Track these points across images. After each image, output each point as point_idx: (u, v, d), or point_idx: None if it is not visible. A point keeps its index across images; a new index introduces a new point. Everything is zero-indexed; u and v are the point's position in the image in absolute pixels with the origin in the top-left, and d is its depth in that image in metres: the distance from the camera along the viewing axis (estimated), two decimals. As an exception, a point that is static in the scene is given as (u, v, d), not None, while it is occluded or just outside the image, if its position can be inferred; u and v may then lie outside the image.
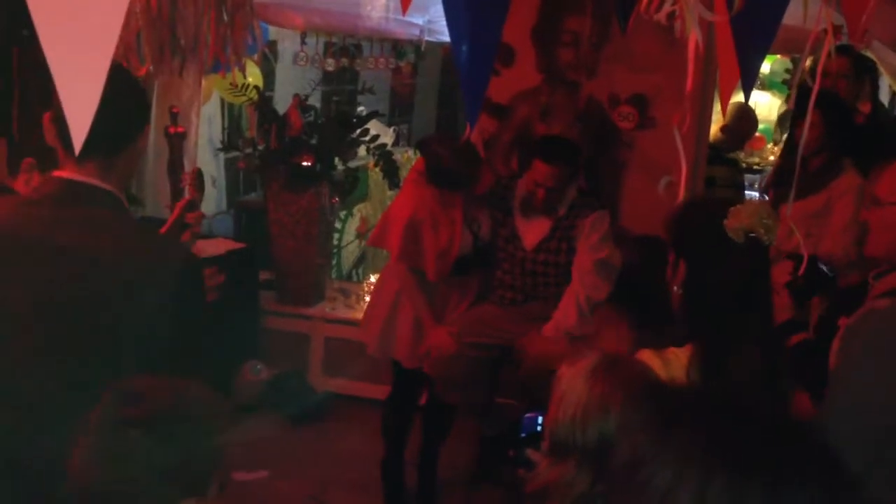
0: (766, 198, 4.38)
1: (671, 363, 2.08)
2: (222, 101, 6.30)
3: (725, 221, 2.05)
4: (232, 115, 6.70)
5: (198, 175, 2.53)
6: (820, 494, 1.01)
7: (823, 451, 1.07)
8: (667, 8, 1.18)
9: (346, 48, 6.39)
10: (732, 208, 2.07)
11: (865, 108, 4.76)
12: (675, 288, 2.17)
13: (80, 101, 0.99)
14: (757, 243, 2.05)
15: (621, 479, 1.13)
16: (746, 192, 6.72)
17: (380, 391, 4.41)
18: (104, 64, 1.01)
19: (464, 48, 1.35)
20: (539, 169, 3.64)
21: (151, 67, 2.58)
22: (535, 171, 3.65)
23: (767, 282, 2.15)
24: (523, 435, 2.14)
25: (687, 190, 2.71)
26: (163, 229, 2.21)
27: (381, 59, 6.55)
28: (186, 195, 2.37)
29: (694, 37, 1.19)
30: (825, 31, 5.17)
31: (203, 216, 2.30)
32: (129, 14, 2.34)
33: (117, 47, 1.09)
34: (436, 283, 3.84)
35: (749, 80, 1.35)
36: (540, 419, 2.08)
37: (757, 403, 1.15)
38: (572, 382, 1.78)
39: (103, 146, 1.77)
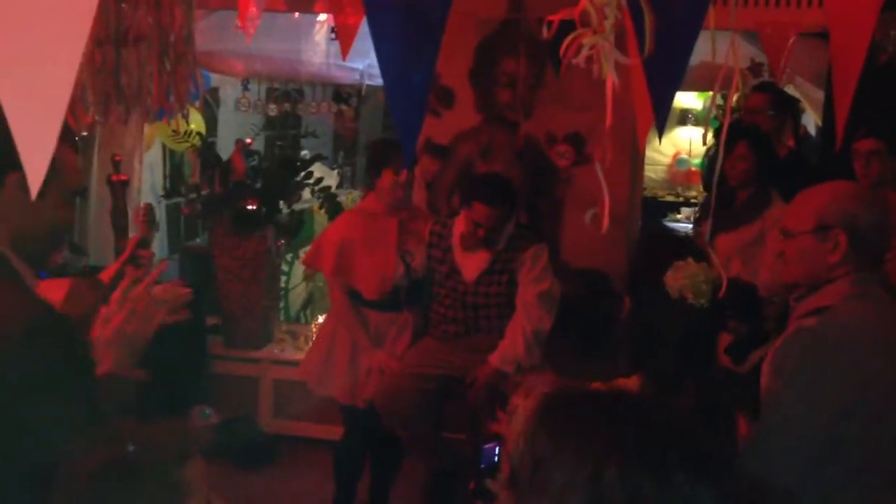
0: (700, 230, 4.52)
1: None
2: (164, 148, 6.32)
3: (665, 275, 2.13)
4: (174, 163, 6.71)
5: (149, 211, 2.51)
6: (704, 477, 1.13)
7: (707, 442, 1.21)
8: (584, 53, 1.29)
9: (288, 93, 6.47)
10: (676, 263, 2.13)
11: (790, 142, 4.95)
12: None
13: (35, 148, 1.04)
14: (686, 302, 2.13)
15: (524, 482, 1.22)
16: (683, 224, 6.92)
17: (330, 431, 4.42)
18: (60, 112, 1.07)
19: (397, 92, 1.41)
20: (479, 210, 3.67)
21: (97, 117, 2.62)
22: (474, 211, 3.68)
23: (706, 325, 2.23)
24: (482, 466, 2.18)
25: (615, 221, 2.78)
26: (113, 268, 2.19)
27: (324, 104, 6.64)
28: (136, 233, 2.35)
29: (611, 78, 1.30)
30: (746, 68, 5.35)
31: (153, 255, 2.29)
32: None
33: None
34: (370, 316, 3.93)
35: (661, 118, 1.46)
36: (497, 450, 2.12)
37: (651, 408, 1.25)
38: (529, 413, 1.83)
39: None
